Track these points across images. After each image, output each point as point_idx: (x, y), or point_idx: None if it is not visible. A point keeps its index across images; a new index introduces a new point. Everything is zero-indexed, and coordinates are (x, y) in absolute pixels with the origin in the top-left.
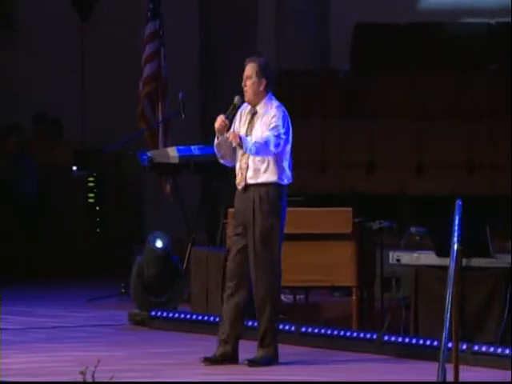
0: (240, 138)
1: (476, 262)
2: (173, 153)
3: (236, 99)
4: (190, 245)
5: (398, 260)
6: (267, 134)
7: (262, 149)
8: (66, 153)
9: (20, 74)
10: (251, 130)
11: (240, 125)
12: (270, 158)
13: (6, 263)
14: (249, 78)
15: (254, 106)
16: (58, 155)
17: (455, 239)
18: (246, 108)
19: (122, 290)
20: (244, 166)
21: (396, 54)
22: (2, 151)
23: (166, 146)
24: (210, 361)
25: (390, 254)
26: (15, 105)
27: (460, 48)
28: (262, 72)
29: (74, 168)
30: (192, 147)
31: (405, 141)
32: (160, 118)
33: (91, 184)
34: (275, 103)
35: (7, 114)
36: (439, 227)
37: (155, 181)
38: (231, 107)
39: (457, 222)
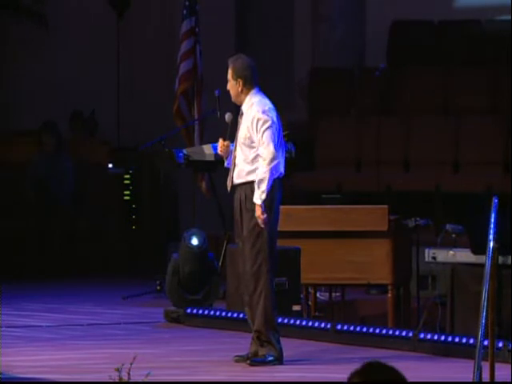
0: (263, 206)
1: None
2: (209, 150)
3: (227, 117)
4: (225, 242)
5: (434, 258)
6: (260, 161)
7: (266, 175)
8: (101, 151)
9: (55, 72)
10: (238, 130)
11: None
12: (253, 156)
13: (42, 261)
14: (228, 81)
15: (240, 105)
16: (93, 153)
17: (491, 237)
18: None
19: (158, 288)
20: (232, 167)
21: (432, 51)
22: (39, 150)
23: (201, 143)
24: (243, 358)
25: (426, 251)
26: (50, 104)
27: (496, 45)
28: (237, 73)
29: (110, 165)
30: None
31: (441, 138)
32: (196, 116)
33: (127, 181)
34: (256, 99)
35: (43, 113)
36: (475, 225)
37: (191, 178)
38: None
39: (493, 219)
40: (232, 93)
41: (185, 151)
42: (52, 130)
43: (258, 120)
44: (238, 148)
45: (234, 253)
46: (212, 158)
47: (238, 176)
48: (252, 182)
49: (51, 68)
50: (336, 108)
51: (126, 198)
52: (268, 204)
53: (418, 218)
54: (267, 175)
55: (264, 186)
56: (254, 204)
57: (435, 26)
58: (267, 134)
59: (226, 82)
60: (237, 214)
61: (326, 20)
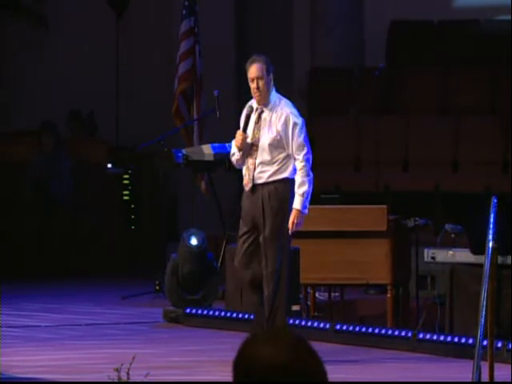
0: (301, 212)
1: None
2: (208, 150)
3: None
4: (224, 242)
5: (433, 258)
6: (299, 167)
7: (309, 180)
8: (100, 150)
9: (55, 72)
10: (258, 128)
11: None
12: (280, 157)
13: (42, 261)
14: (260, 78)
15: (263, 104)
16: (93, 153)
17: (490, 237)
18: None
19: (157, 288)
20: (251, 166)
21: (431, 51)
22: (38, 150)
23: (201, 143)
24: None
25: (425, 251)
26: (50, 104)
27: (496, 45)
28: (269, 69)
29: (109, 165)
30: (227, 144)
31: (440, 138)
32: (195, 116)
33: (126, 181)
34: (283, 100)
35: (43, 113)
36: (475, 225)
37: (190, 178)
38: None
39: (492, 219)
40: (266, 89)
41: (184, 151)
42: (51, 130)
43: (295, 124)
44: (260, 148)
45: (233, 253)
46: (211, 158)
47: (262, 176)
48: (276, 182)
49: (51, 68)
50: (335, 108)
51: (126, 197)
52: (288, 207)
53: (417, 218)
54: (311, 185)
55: (309, 197)
56: (278, 201)
57: (435, 26)
58: (304, 138)
59: (224, 82)
60: (255, 210)
61: (324, 20)
